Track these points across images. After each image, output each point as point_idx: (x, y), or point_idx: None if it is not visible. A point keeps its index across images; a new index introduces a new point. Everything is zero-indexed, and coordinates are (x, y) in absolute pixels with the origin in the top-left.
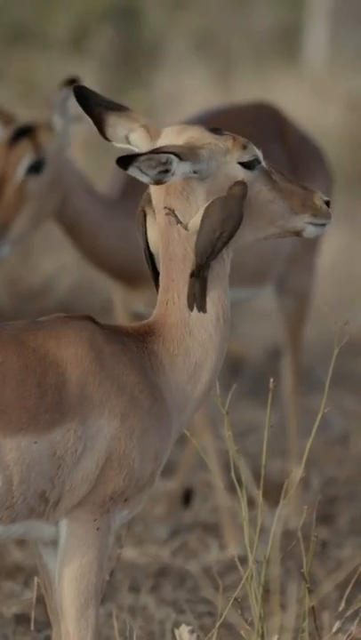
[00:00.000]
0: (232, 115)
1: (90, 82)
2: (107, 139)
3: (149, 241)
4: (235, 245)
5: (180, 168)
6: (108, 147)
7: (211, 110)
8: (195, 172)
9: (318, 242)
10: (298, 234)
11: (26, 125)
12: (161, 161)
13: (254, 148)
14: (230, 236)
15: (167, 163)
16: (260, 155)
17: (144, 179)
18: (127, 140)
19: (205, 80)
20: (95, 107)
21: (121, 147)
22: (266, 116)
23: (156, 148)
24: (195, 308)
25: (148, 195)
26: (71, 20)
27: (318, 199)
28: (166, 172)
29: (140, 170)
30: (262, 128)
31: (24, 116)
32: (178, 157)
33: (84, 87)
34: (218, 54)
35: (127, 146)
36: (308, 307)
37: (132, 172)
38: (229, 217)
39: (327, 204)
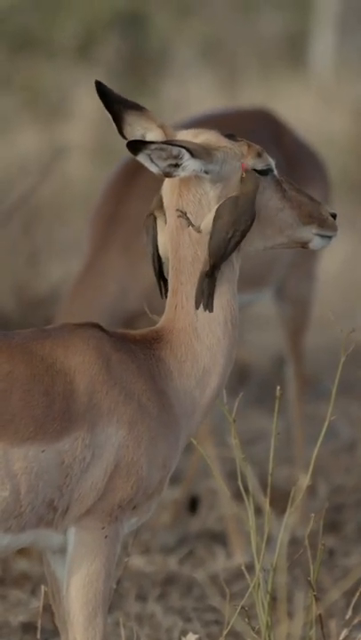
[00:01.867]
0: (229, 118)
1: (96, 90)
2: (124, 137)
3: (159, 245)
4: (244, 251)
5: (190, 164)
6: (112, 155)
7: (208, 114)
8: (206, 173)
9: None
10: (304, 245)
11: None
12: (172, 153)
13: (268, 156)
14: (243, 235)
15: (178, 157)
16: (273, 163)
17: (153, 168)
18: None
19: (212, 87)
20: (115, 103)
21: None
22: (262, 121)
23: (170, 140)
24: (201, 308)
25: (159, 198)
26: (77, 27)
27: (325, 211)
28: (176, 166)
29: (150, 159)
30: (258, 132)
31: (30, 124)
32: (190, 154)
33: (103, 84)
34: (224, 61)
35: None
36: (309, 314)
37: (142, 158)
38: (242, 215)
39: (333, 216)
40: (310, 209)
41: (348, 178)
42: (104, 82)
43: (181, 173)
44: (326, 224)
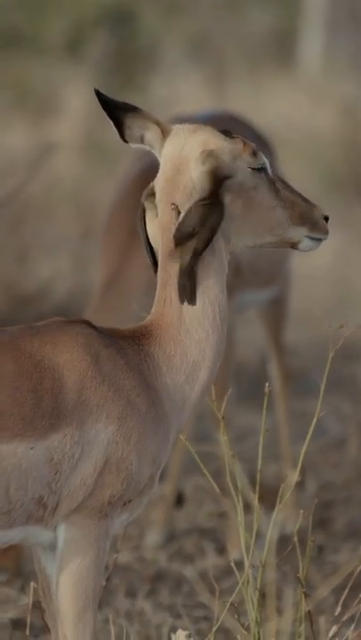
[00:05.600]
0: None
1: (85, 87)
2: (125, 141)
3: (149, 235)
4: (233, 247)
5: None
6: (101, 152)
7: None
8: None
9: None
10: (294, 246)
11: None
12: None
13: (263, 156)
14: (210, 233)
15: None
16: (266, 162)
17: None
18: (142, 140)
19: (200, 84)
20: (115, 110)
21: (137, 147)
22: (234, 123)
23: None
24: (185, 302)
25: (150, 189)
26: (66, 25)
27: (318, 214)
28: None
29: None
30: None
31: (19, 122)
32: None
33: (100, 92)
34: (213, 58)
35: (142, 146)
36: (287, 311)
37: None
38: (207, 223)
39: (326, 219)
40: (303, 210)
41: (336, 175)
42: (92, 79)
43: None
44: (318, 227)
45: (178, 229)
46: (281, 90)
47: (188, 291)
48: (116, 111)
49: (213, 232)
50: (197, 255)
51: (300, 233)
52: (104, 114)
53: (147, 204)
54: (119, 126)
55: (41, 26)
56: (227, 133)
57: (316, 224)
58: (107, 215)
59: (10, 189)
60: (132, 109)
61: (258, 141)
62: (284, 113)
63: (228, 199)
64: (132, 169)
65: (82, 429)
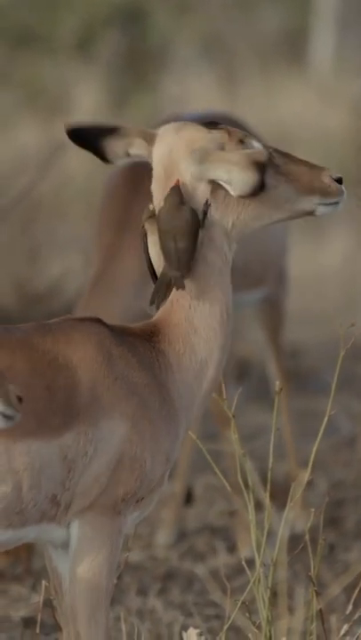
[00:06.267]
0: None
1: (96, 86)
2: (110, 163)
3: (151, 257)
4: (240, 236)
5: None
6: None
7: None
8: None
9: (289, 247)
10: (310, 214)
11: None
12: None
13: (252, 141)
14: (190, 242)
15: (208, 205)
16: (259, 146)
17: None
18: (129, 155)
19: (211, 84)
20: (92, 140)
21: (125, 162)
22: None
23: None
24: (198, 302)
25: (150, 211)
26: (77, 23)
27: (327, 177)
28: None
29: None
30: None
31: (30, 120)
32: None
33: (75, 127)
34: (224, 58)
35: (131, 159)
36: (284, 311)
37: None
38: (177, 225)
39: (339, 180)
40: (310, 178)
41: (346, 174)
42: (103, 78)
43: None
44: (329, 191)
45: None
46: (292, 89)
47: (159, 299)
48: (92, 138)
49: (191, 241)
50: (185, 266)
51: (311, 202)
52: (115, 113)
53: (147, 226)
54: (100, 154)
55: (52, 25)
56: (212, 125)
57: (326, 190)
58: (98, 215)
59: (21, 188)
60: (111, 131)
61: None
62: (296, 112)
63: (220, 194)
64: (119, 168)
65: (95, 427)
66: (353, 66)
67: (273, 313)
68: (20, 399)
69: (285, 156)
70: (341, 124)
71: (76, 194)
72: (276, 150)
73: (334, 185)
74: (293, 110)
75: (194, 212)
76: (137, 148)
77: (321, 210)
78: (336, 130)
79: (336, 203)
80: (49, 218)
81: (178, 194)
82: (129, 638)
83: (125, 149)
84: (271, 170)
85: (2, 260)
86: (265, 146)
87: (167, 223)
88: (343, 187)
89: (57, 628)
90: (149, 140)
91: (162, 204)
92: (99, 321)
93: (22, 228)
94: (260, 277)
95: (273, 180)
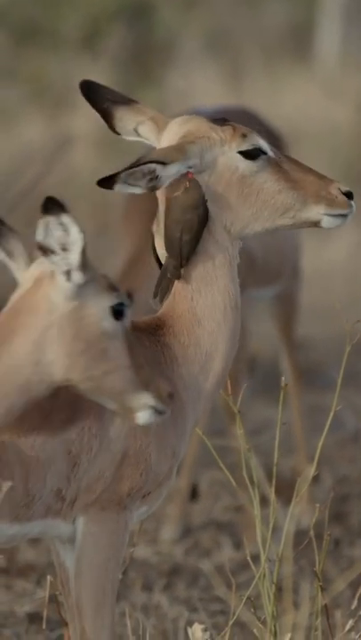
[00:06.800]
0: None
1: (102, 81)
2: (116, 132)
3: (159, 257)
4: (242, 235)
5: (167, 172)
6: (118, 146)
7: (196, 111)
8: (189, 167)
9: (302, 242)
10: (315, 225)
11: None
12: (145, 172)
13: (256, 137)
14: (194, 236)
15: (151, 172)
16: (263, 144)
17: (136, 190)
18: (136, 133)
19: (217, 78)
20: (103, 101)
21: (131, 139)
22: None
23: (135, 162)
24: (200, 294)
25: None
26: (83, 18)
27: (335, 189)
28: (156, 178)
29: (129, 184)
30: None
31: (36, 115)
32: (162, 163)
33: (90, 82)
34: (229, 52)
35: (137, 138)
36: (297, 306)
37: (119, 188)
38: (186, 217)
39: (348, 194)
40: (317, 188)
41: (352, 169)
42: (109, 73)
43: (165, 183)
44: (336, 203)
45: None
46: (298, 83)
47: (162, 293)
48: (105, 102)
49: (195, 235)
50: (185, 258)
51: (316, 212)
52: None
53: (154, 230)
54: (107, 117)
55: (58, 20)
56: (221, 122)
57: (333, 201)
58: (126, 202)
59: (27, 183)
60: (127, 102)
61: (269, 136)
62: (301, 106)
63: (220, 187)
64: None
65: (100, 422)
66: (358, 60)
67: (287, 308)
68: (170, 395)
69: (295, 163)
70: (347, 119)
71: (82, 189)
72: (287, 157)
73: (342, 197)
74: (299, 105)
75: (207, 209)
76: (147, 130)
77: (327, 221)
78: (342, 124)
79: (344, 215)
80: None
81: (198, 188)
82: (134, 634)
83: (135, 126)
84: (277, 175)
85: None
86: (274, 151)
87: (180, 214)
88: (353, 202)
89: (62, 623)
90: (161, 125)
91: (174, 190)
92: None
93: (28, 222)
94: (278, 273)
95: (277, 184)
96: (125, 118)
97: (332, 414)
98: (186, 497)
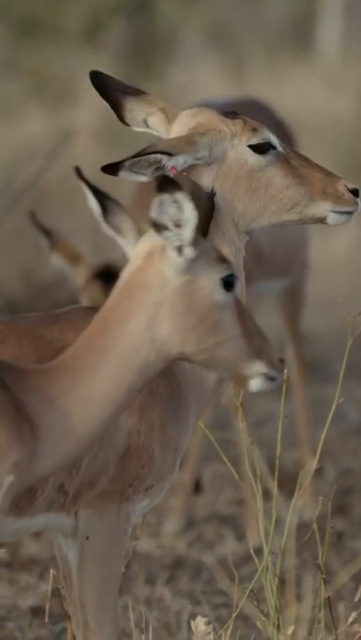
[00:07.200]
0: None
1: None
2: (125, 123)
3: None
4: (248, 228)
5: (174, 162)
6: (119, 139)
7: (208, 102)
8: (198, 159)
9: (309, 235)
10: (321, 221)
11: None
12: (150, 161)
13: (267, 131)
14: (202, 223)
15: (157, 162)
16: (273, 139)
17: (142, 178)
18: (146, 124)
19: (218, 72)
20: (112, 91)
21: (140, 130)
22: (259, 111)
23: (141, 150)
24: None
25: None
26: (84, 12)
27: (342, 186)
28: (162, 168)
29: (134, 172)
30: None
31: (37, 109)
32: (167, 154)
33: (100, 72)
34: (231, 45)
35: (146, 129)
36: (304, 299)
37: (124, 175)
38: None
39: (355, 192)
40: (324, 184)
41: (353, 161)
42: (110, 66)
43: (171, 172)
44: (342, 200)
45: None
46: (299, 76)
47: None
48: (115, 92)
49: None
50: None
51: (323, 208)
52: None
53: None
54: (116, 108)
55: (59, 14)
56: (231, 115)
57: (339, 198)
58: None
59: (28, 177)
60: (137, 93)
61: (278, 128)
62: (302, 99)
63: (228, 180)
64: None
65: None
66: (359, 53)
67: (295, 301)
68: (282, 360)
69: (303, 159)
70: (348, 111)
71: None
72: (296, 153)
73: (348, 195)
74: (300, 98)
75: (212, 199)
76: (156, 121)
77: (333, 218)
78: (343, 117)
79: (349, 212)
80: (56, 207)
81: (186, 181)
82: (137, 627)
83: (145, 117)
84: (285, 170)
85: (9, 249)
86: (283, 146)
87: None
88: (359, 199)
89: (65, 616)
90: (171, 117)
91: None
92: None
93: (29, 216)
94: (287, 266)
95: (285, 180)
96: (135, 109)
97: (334, 407)
98: (189, 490)
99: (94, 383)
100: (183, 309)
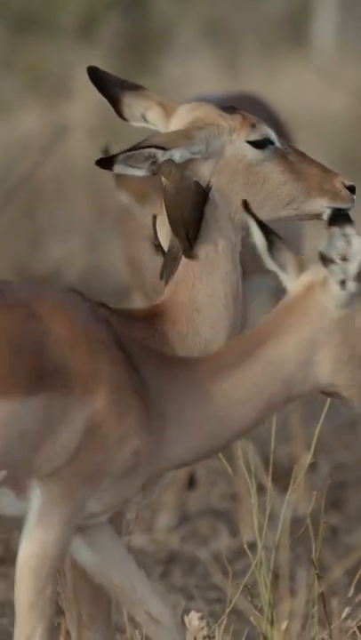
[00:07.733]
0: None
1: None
2: (124, 118)
3: (160, 241)
4: (245, 223)
5: (168, 156)
6: (114, 134)
7: (203, 97)
8: (194, 154)
9: (305, 231)
10: (318, 217)
11: None
12: (145, 155)
13: (265, 127)
14: (192, 216)
15: (153, 156)
16: (272, 134)
17: (137, 172)
18: (144, 119)
19: (213, 67)
20: (110, 87)
21: (139, 125)
22: (254, 105)
23: (136, 144)
24: (201, 284)
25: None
26: (79, 7)
27: (339, 183)
28: (157, 162)
29: (130, 166)
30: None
31: (33, 104)
32: (162, 148)
33: (97, 68)
34: (226, 41)
35: (145, 124)
36: None
37: (118, 169)
38: (178, 199)
39: (351, 189)
40: (321, 180)
41: (349, 157)
42: (105, 61)
43: (166, 166)
44: (339, 197)
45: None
46: (294, 71)
47: (167, 271)
48: (113, 88)
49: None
50: (192, 236)
51: (320, 204)
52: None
53: (157, 214)
54: (116, 103)
55: (54, 9)
56: (230, 110)
57: (336, 194)
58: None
59: (23, 172)
60: (134, 88)
61: (274, 123)
62: (298, 95)
63: (226, 175)
64: None
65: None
66: (355, 48)
67: None
68: None
69: (301, 155)
70: (344, 107)
71: (78, 177)
72: (293, 148)
73: (345, 191)
74: (295, 93)
75: (197, 183)
76: (155, 116)
77: (329, 214)
78: (339, 112)
79: (346, 209)
80: (51, 201)
81: (176, 168)
82: (130, 622)
83: (143, 112)
84: (283, 166)
85: (4, 243)
86: (281, 142)
87: (173, 196)
88: (354, 196)
89: (59, 611)
90: (169, 111)
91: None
92: (102, 305)
93: (24, 211)
94: None
95: (283, 175)
96: (134, 104)
97: (328, 401)
98: (183, 485)
99: (235, 385)
100: (339, 340)
